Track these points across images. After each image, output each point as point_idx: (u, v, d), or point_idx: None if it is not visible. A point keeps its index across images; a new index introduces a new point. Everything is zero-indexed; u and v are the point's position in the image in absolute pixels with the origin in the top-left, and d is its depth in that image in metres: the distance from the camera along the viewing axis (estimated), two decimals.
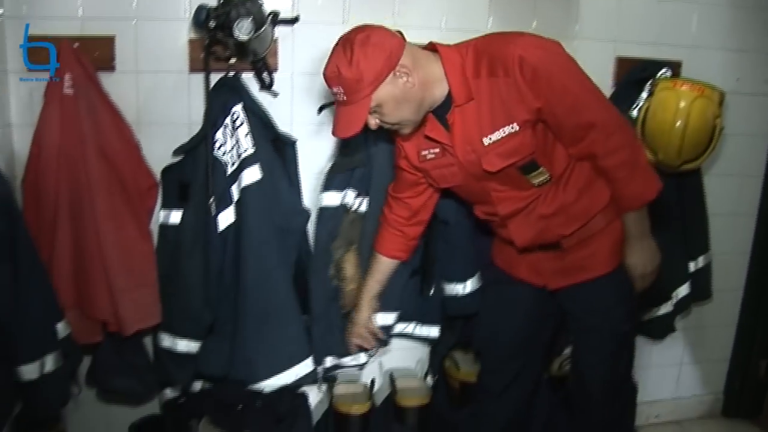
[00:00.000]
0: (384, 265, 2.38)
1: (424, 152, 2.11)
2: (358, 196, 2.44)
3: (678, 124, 2.43)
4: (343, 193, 2.43)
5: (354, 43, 1.84)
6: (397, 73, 1.87)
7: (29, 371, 2.02)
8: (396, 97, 1.89)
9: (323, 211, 2.45)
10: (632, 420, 2.32)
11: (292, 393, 2.43)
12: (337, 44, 1.90)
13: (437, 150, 2.07)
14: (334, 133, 1.97)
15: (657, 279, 2.10)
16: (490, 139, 1.95)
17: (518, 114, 1.90)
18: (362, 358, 2.58)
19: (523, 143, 1.93)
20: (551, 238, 2.11)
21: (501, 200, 2.08)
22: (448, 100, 1.97)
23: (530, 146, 1.94)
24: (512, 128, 1.92)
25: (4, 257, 1.93)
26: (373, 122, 1.95)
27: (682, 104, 2.43)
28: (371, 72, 1.84)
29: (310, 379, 2.47)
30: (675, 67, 2.70)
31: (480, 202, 2.18)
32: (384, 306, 2.47)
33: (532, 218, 2.09)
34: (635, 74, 2.67)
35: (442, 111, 2.00)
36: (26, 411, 2.12)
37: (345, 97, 1.88)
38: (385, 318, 2.50)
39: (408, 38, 1.95)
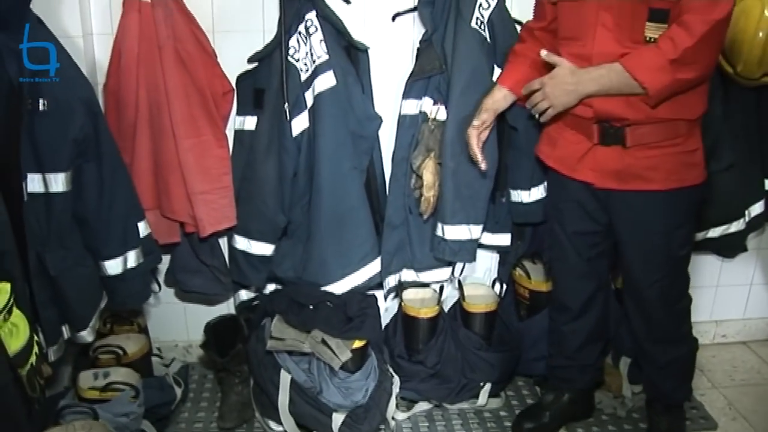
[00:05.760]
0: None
1: None
2: (435, 103, 2.40)
3: (761, 34, 2.34)
4: (420, 101, 2.41)
5: None
6: None
7: (113, 266, 2.15)
8: None
9: (402, 120, 2.45)
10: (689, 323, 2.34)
11: (362, 294, 2.50)
12: None
13: None
14: None
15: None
16: None
17: None
18: (444, 274, 2.59)
19: None
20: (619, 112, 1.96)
21: (602, 40, 1.93)
22: None
23: None
24: None
25: (90, 157, 2.03)
26: None
27: (767, 12, 2.33)
28: None
29: (378, 279, 2.53)
30: None
31: (577, 38, 2.00)
32: (472, 219, 2.44)
33: None
34: None
35: None
36: (111, 304, 2.25)
37: None
38: (473, 231, 2.45)
39: None
